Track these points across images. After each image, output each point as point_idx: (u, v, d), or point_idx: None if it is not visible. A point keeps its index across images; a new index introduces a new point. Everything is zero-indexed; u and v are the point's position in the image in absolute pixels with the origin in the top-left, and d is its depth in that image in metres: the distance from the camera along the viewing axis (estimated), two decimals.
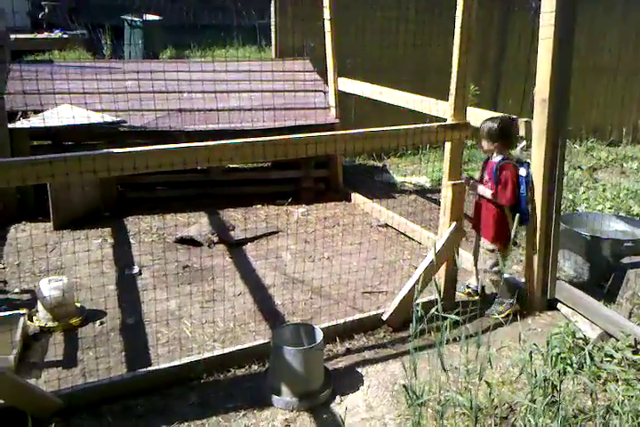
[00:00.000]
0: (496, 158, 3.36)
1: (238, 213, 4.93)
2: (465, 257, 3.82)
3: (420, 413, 2.34)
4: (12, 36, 7.64)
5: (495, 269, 3.44)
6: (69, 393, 2.57)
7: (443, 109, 3.68)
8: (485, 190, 3.39)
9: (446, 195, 3.36)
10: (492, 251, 3.43)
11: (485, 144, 3.38)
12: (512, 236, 3.09)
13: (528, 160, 3.38)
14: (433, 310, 2.40)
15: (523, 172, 3.31)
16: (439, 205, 3.40)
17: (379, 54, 6.47)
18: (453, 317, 2.30)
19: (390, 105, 4.63)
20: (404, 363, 2.97)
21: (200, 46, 9.80)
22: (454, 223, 3.37)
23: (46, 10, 10.01)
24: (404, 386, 2.24)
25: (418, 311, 2.46)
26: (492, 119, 3.34)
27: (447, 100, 3.26)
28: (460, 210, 3.40)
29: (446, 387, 2.68)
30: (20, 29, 9.20)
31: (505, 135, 3.31)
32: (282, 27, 6.33)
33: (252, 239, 4.41)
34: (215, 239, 4.31)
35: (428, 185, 5.90)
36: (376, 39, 6.44)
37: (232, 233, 4.48)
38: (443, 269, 3.48)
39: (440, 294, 2.39)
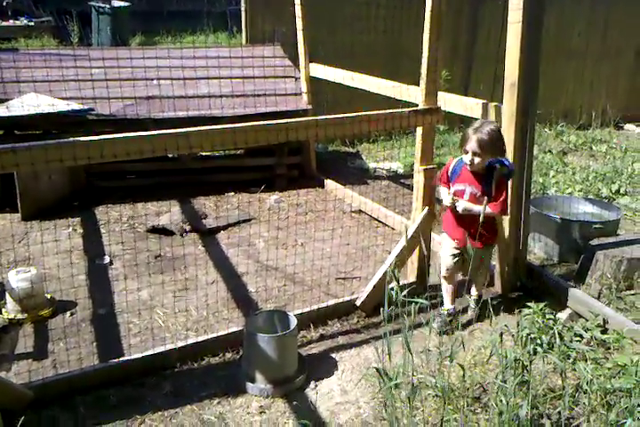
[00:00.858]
0: (481, 168, 3.00)
1: (210, 201, 4.89)
2: (437, 241, 3.84)
3: (394, 396, 2.35)
4: None
5: (491, 265, 3.38)
6: (41, 385, 2.54)
7: (414, 94, 3.68)
8: (485, 209, 2.77)
9: (418, 180, 3.37)
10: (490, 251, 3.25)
11: (480, 160, 2.97)
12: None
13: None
14: (401, 295, 2.41)
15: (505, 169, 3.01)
16: (412, 191, 3.41)
17: (351, 40, 6.43)
18: (420, 300, 2.31)
19: (363, 91, 4.61)
20: (377, 347, 3.00)
21: (170, 33, 9.66)
22: (426, 208, 3.39)
23: None
24: (377, 369, 2.25)
25: (391, 296, 2.47)
26: (482, 128, 2.94)
27: (419, 85, 3.26)
28: (432, 195, 3.42)
29: (420, 370, 2.71)
30: None
31: (502, 144, 3.03)
32: (252, 12, 6.25)
33: (224, 227, 4.38)
34: (187, 228, 4.27)
35: (401, 171, 5.91)
36: (348, 25, 6.40)
37: (204, 221, 4.44)
38: (415, 253, 3.50)
39: (395, 281, 2.39)
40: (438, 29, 3.11)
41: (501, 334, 2.54)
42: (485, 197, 2.88)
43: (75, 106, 4.42)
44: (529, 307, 3.02)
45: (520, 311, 3.10)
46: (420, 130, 3.31)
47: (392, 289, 2.62)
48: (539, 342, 2.74)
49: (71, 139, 2.45)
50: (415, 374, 2.53)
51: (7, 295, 3.13)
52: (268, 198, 4.99)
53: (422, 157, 3.35)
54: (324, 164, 5.74)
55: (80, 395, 2.57)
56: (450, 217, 3.20)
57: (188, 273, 3.69)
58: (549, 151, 6.55)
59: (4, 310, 3.14)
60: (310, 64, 5.34)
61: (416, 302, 2.31)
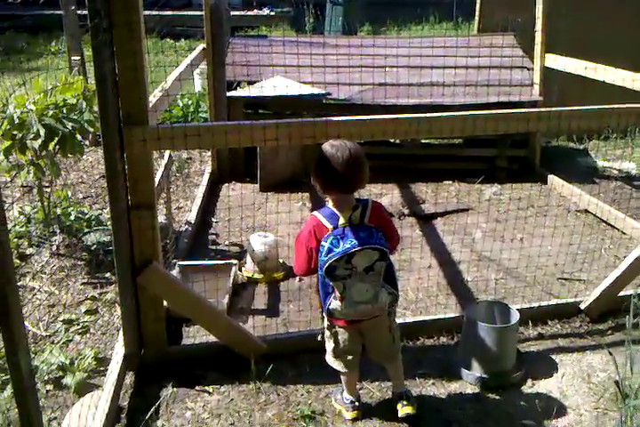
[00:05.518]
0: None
1: (428, 187, 4.93)
2: None
3: (630, 414, 2.19)
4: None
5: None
6: (273, 340, 2.79)
7: None
8: None
9: None
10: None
11: None
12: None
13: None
14: None
15: (328, 239, 2.16)
16: None
17: (590, 30, 5.95)
18: None
19: (597, 84, 4.27)
20: (602, 356, 2.83)
21: (396, 23, 9.82)
22: None
23: None
24: (616, 381, 2.11)
25: (636, 304, 2.30)
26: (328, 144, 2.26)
27: None
28: None
29: None
30: (234, 7, 9.90)
31: (324, 170, 2.21)
32: (486, 1, 6.11)
33: (441, 214, 4.40)
34: (406, 211, 4.37)
35: (635, 172, 5.42)
36: (590, 13, 5.93)
37: (422, 206, 4.50)
38: None
39: None
40: None
41: None
42: None
43: (314, 90, 4.72)
44: None
45: None
46: None
47: (633, 297, 2.45)
48: None
49: (323, 118, 2.64)
50: None
51: (247, 256, 3.47)
52: (486, 190, 4.89)
53: None
54: (547, 159, 5.45)
55: (306, 355, 2.76)
56: None
57: (405, 255, 3.76)
58: None
59: (243, 268, 3.49)
60: (547, 54, 5.08)
61: None
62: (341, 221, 2.20)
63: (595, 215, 4.41)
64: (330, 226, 2.20)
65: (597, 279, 3.41)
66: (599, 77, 4.39)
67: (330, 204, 2.28)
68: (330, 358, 2.45)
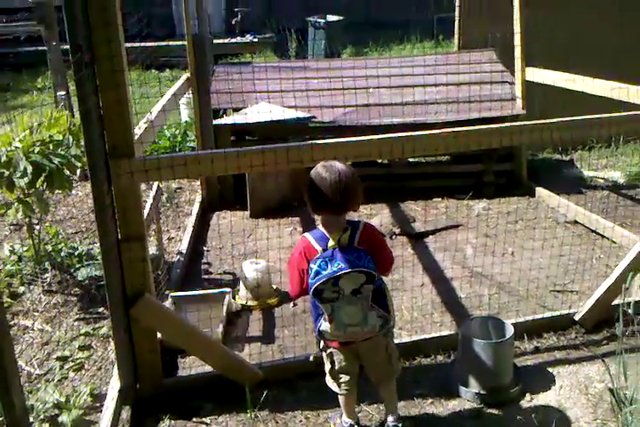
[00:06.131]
0: None
1: (418, 205, 4.95)
2: None
3: (627, 421, 2.19)
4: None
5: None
6: (270, 367, 2.78)
7: None
8: None
9: None
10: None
11: None
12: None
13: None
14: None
15: (317, 262, 2.17)
16: (636, 202, 3.15)
17: (568, 39, 6.03)
18: None
19: (578, 94, 4.34)
20: (599, 367, 2.83)
21: (378, 44, 9.95)
22: None
23: (239, 16, 10.74)
24: (610, 390, 2.12)
25: (627, 313, 2.32)
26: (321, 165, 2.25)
27: None
28: None
29: None
30: (216, 35, 10.01)
31: (313, 192, 2.21)
32: (465, 19, 6.21)
33: (432, 232, 4.42)
34: (397, 231, 4.39)
35: (621, 181, 5.46)
36: (569, 21, 6.00)
37: (412, 225, 4.52)
38: None
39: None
40: None
41: None
42: None
43: (299, 114, 4.77)
44: None
45: None
46: None
47: (622, 306, 2.47)
48: None
49: (309, 142, 2.66)
50: None
51: (240, 283, 3.47)
52: (475, 205, 4.92)
53: None
54: (533, 171, 5.49)
55: (303, 380, 2.75)
56: None
57: (397, 274, 3.76)
58: None
59: (237, 296, 3.49)
60: (526, 68, 5.16)
61: None
62: (330, 243, 2.22)
63: (584, 226, 4.44)
64: (319, 248, 2.21)
65: (590, 289, 3.42)
66: (578, 88, 4.47)
67: (320, 225, 2.30)
68: (328, 380, 2.45)
